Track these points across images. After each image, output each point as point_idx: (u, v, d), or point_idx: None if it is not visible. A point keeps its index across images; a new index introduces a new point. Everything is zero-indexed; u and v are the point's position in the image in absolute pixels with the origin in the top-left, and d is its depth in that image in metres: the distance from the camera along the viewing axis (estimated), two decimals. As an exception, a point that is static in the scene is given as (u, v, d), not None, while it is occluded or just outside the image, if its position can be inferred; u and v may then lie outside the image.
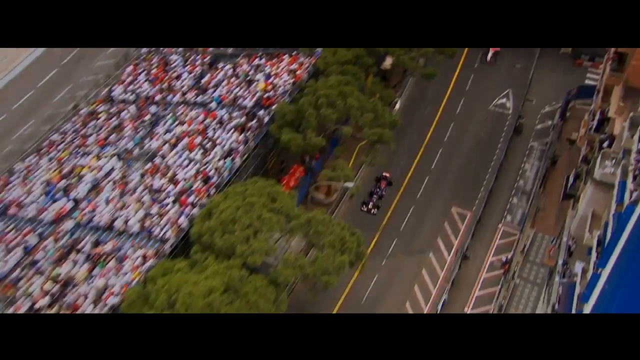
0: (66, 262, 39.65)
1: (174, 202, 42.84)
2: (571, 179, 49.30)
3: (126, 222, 41.95)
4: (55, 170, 46.64)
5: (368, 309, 44.65)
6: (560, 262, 40.85)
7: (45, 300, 37.19)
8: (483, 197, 51.67)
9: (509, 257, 46.77)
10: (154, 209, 42.53)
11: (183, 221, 41.69)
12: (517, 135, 57.09)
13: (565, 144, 55.31)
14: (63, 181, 45.45)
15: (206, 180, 44.50)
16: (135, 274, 38.24)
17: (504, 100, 60.54)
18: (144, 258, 39.36)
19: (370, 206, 51.62)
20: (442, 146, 57.11)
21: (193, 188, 43.84)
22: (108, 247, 40.47)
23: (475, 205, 51.32)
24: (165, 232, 40.95)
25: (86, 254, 40.16)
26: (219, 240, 37.83)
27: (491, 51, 63.73)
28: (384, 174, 53.29)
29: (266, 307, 35.98)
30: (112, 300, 36.71)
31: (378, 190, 52.57)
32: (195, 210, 42.14)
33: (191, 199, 43.10)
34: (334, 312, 45.07)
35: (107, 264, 39.33)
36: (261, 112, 49.18)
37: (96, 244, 41.04)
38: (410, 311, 44.40)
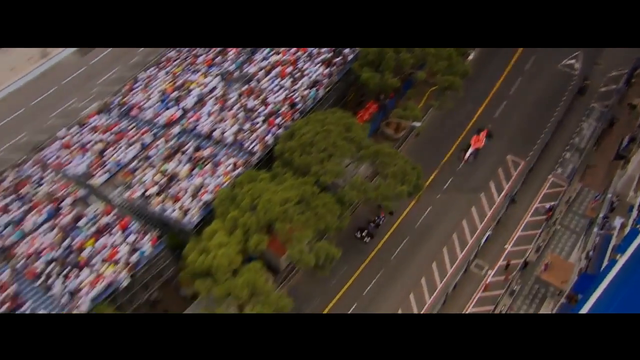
0: (173, 160, 41.63)
1: (264, 121, 43.72)
2: (625, 141, 46.69)
3: (223, 133, 43.35)
4: (169, 82, 47.98)
5: (419, 235, 45.04)
6: (601, 215, 39.65)
7: (154, 189, 39.44)
8: (538, 149, 49.51)
9: (554, 205, 45.43)
10: (246, 125, 43.63)
11: (269, 139, 42.67)
12: (580, 96, 53.42)
13: (626, 108, 51.58)
14: (175, 92, 46.79)
15: (292, 105, 44.95)
16: (226, 178, 39.82)
17: (573, 61, 56.35)
18: (235, 166, 40.87)
19: (364, 234, 45.31)
20: (507, 98, 54.38)
21: (280, 111, 44.44)
22: (207, 152, 42.16)
23: (529, 155, 49.32)
24: (253, 146, 42.11)
25: (189, 156, 41.93)
26: (298, 159, 38.80)
27: (472, 148, 49.52)
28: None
29: (332, 221, 37.07)
30: (206, 197, 38.68)
31: (377, 218, 45.90)
32: (280, 131, 42.93)
33: (278, 120, 43.81)
34: (390, 233, 45.60)
35: (204, 166, 41.05)
36: (346, 50, 48.30)
37: (197, 148, 42.70)
38: (456, 241, 44.38)
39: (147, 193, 39.40)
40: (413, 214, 46.42)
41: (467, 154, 49.26)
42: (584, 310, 31.69)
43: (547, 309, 38.57)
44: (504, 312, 39.15)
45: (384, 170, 40.68)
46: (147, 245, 36.08)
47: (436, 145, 51.19)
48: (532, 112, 52.92)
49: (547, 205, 45.37)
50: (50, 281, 33.93)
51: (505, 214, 45.38)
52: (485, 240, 43.55)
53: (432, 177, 48.37)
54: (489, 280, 41.46)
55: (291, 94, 45.63)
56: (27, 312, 32.32)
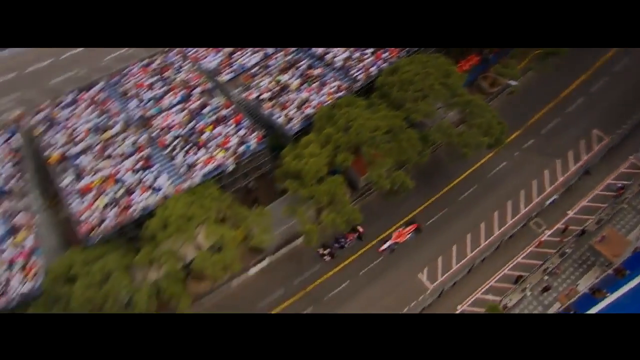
0: (287, 73, 43.55)
1: (372, 53, 43.97)
2: None
3: (334, 57, 44.32)
4: (296, 2, 48.90)
5: (488, 186, 44.65)
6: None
7: (267, 94, 41.88)
8: (626, 130, 46.03)
9: (627, 184, 42.99)
10: (356, 55, 44.15)
11: (374, 70, 43.04)
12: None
13: None
14: (300, 12, 47.84)
15: (401, 43, 44.75)
16: (329, 98, 41.20)
17: (693, 48, 50.26)
18: (338, 88, 42.01)
19: (327, 252, 41.77)
20: (609, 75, 50.23)
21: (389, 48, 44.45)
22: (317, 71, 43.54)
23: (616, 134, 46.00)
24: (358, 74, 42.82)
25: (301, 72, 43.61)
26: (395, 93, 39.31)
27: (391, 240, 41.73)
28: (358, 227, 42.07)
29: (412, 155, 37.88)
30: (309, 111, 40.47)
31: (342, 240, 42.20)
32: (385, 65, 43.09)
33: (385, 55, 43.86)
34: (460, 178, 45.61)
35: (313, 83, 42.62)
36: None
37: (310, 66, 44.17)
38: (522, 199, 43.62)
39: (261, 97, 41.86)
40: (487, 166, 45.88)
41: (385, 245, 41.59)
42: (631, 284, 31.52)
43: (592, 276, 38.12)
44: (550, 269, 39.16)
45: (471, 119, 40.31)
46: (253, 140, 38.95)
47: (526, 106, 48.99)
48: (631, 93, 48.55)
49: (620, 184, 43.00)
50: (174, 152, 38.26)
51: (576, 183, 43.73)
52: (551, 202, 42.62)
53: (514, 135, 46.92)
54: (544, 238, 41.14)
55: (402, 33, 45.15)
56: (155, 172, 37.09)
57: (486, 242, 41.75)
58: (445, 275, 40.25)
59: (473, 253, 41.28)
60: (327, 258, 41.76)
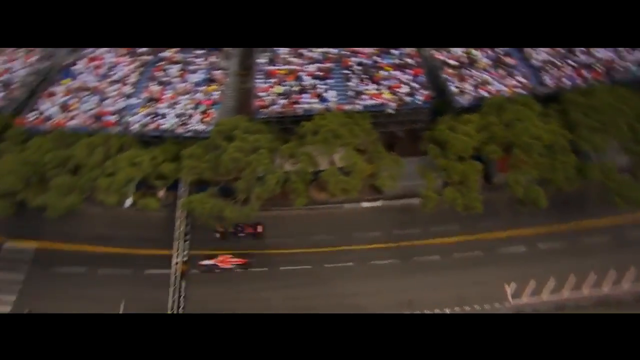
0: (483, 50, 43.36)
1: (573, 68, 41.74)
2: None
3: (535, 54, 43.03)
4: None
5: (620, 243, 41.36)
6: None
7: (454, 62, 42.47)
8: None
9: None
10: (557, 62, 42.32)
11: (566, 83, 40.97)
12: None
13: None
14: None
15: (608, 69, 41.44)
16: (509, 90, 40.50)
17: None
18: (522, 85, 40.97)
19: (221, 230, 40.89)
20: None
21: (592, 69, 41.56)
22: (511, 61, 42.89)
23: None
24: (548, 80, 41.27)
25: (495, 54, 43.15)
26: (573, 115, 37.72)
27: (213, 261, 39.07)
28: (258, 226, 41.55)
29: (559, 179, 36.79)
30: (483, 93, 40.39)
31: (240, 228, 41.30)
32: (579, 82, 40.73)
33: (585, 72, 41.43)
34: (597, 222, 42.84)
35: (500, 69, 42.13)
36: None
37: (507, 53, 43.35)
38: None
39: (448, 61, 42.61)
40: (631, 224, 42.12)
41: (206, 262, 39.67)
42: None
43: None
44: None
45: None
46: (421, 96, 40.45)
47: None
48: None
49: None
50: (350, 76, 41.47)
51: None
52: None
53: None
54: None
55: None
56: (328, 85, 40.56)
57: (588, 293, 39.64)
58: (531, 300, 39.58)
59: (568, 295, 39.65)
60: (217, 235, 41.59)
